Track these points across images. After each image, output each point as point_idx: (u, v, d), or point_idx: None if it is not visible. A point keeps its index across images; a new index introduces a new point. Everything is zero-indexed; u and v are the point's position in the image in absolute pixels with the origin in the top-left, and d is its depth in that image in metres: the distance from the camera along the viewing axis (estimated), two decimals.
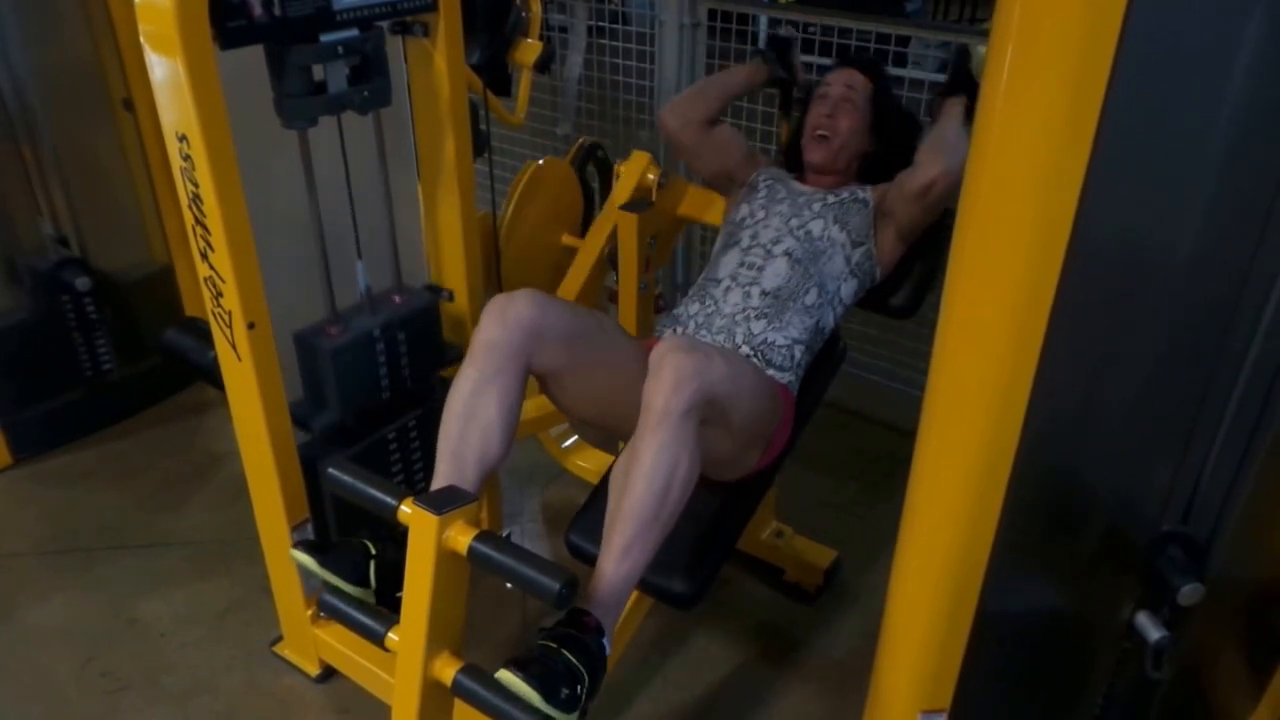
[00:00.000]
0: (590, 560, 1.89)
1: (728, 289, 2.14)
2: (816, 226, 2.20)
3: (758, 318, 2.08)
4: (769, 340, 2.06)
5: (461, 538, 1.56)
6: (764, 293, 2.11)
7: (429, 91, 2.17)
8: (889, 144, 2.34)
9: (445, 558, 1.57)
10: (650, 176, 2.62)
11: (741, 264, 2.17)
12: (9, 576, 2.67)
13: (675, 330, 2.15)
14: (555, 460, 3.06)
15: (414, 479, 2.38)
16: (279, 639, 2.43)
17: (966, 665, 1.45)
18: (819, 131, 2.29)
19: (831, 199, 2.26)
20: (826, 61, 3.65)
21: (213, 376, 2.12)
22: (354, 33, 1.85)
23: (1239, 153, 1.07)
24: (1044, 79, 1.06)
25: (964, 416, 1.31)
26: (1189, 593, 1.25)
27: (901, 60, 3.87)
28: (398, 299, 2.29)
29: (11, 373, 3.02)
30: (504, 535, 2.27)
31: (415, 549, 1.58)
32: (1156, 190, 1.11)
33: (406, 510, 1.62)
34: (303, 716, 2.28)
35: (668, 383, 1.64)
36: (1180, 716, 1.50)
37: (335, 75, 1.87)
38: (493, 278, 2.65)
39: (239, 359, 1.91)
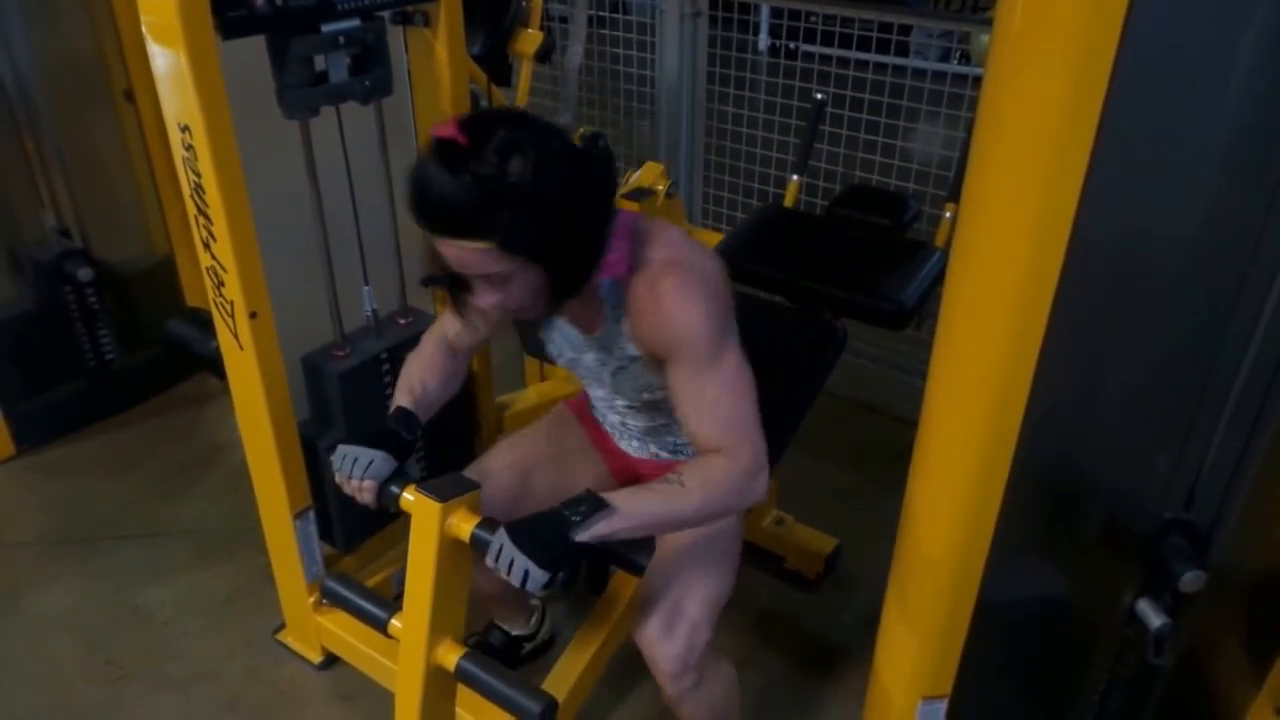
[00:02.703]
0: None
1: (606, 421, 2.00)
2: (627, 395, 1.84)
3: (648, 443, 1.95)
4: (675, 446, 1.94)
5: (464, 524, 1.56)
6: (636, 435, 1.95)
7: (430, 81, 2.17)
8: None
9: (448, 545, 1.57)
10: (660, 187, 2.66)
11: (600, 405, 1.97)
12: (12, 566, 2.67)
13: (599, 416, 2.00)
14: None
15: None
16: (281, 627, 2.44)
17: (967, 653, 1.46)
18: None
19: (602, 351, 1.76)
20: (830, 51, 3.66)
21: (215, 366, 2.13)
22: (355, 23, 1.85)
23: (1240, 141, 1.07)
24: (1046, 68, 1.06)
25: (966, 405, 1.32)
26: (1190, 580, 1.25)
27: (903, 50, 3.87)
28: (403, 321, 2.32)
29: (14, 363, 3.02)
30: None
31: (418, 536, 1.58)
32: (1158, 180, 1.11)
33: (409, 498, 1.62)
34: (305, 704, 2.29)
35: (666, 675, 1.69)
36: (1181, 704, 1.51)
37: (336, 65, 1.87)
38: None
39: (241, 348, 1.92)
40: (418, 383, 1.82)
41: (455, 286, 1.61)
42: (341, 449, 1.67)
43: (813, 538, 2.63)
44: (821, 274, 2.40)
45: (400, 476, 1.66)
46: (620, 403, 1.87)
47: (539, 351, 2.08)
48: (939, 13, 5.82)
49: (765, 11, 4.33)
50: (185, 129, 1.69)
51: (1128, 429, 1.29)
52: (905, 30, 3.68)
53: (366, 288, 2.23)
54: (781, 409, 2.12)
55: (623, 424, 1.94)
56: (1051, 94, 1.06)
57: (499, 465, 1.93)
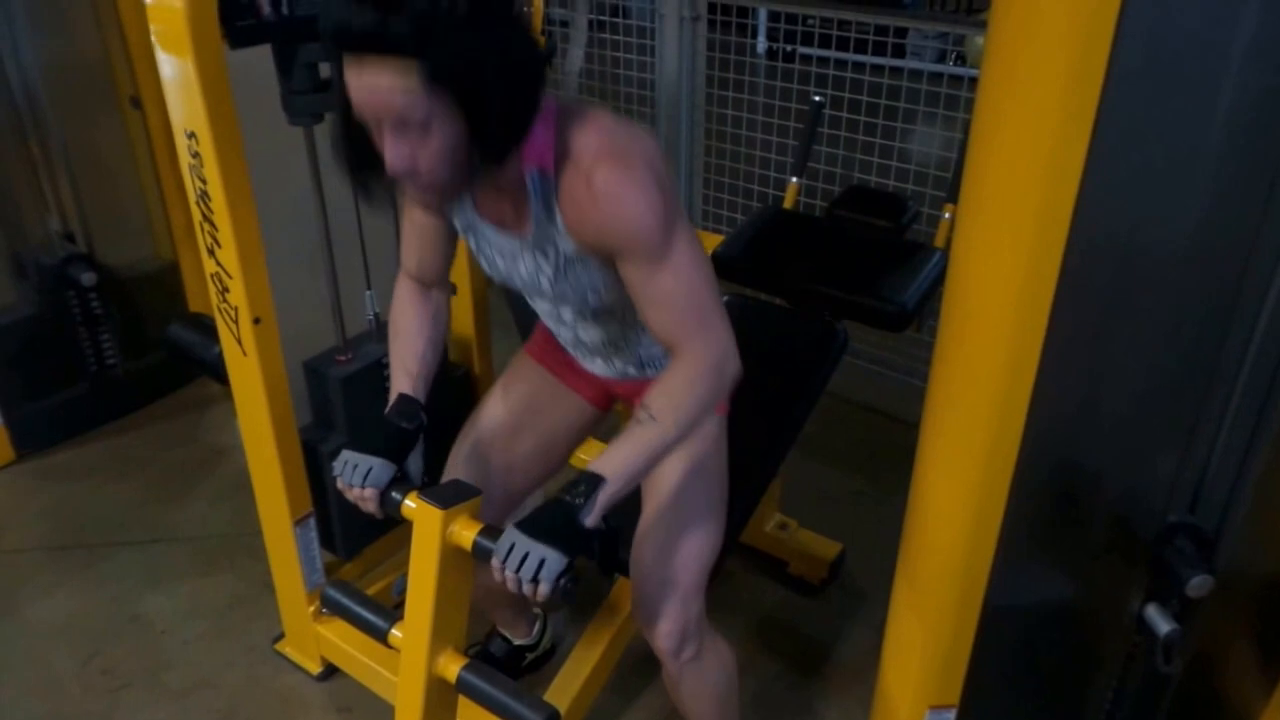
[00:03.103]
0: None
1: (562, 339, 1.83)
2: (572, 304, 1.67)
3: (612, 357, 1.79)
4: (643, 358, 1.78)
5: (466, 532, 1.56)
6: (595, 349, 1.78)
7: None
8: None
9: (450, 553, 1.57)
10: None
11: (549, 319, 1.80)
12: (12, 572, 2.67)
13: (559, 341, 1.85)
14: None
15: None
16: (281, 636, 2.43)
17: (974, 661, 1.45)
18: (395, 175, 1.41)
19: (537, 253, 1.59)
20: (827, 53, 3.66)
21: (217, 371, 2.13)
22: None
23: (1236, 142, 1.07)
24: (1040, 70, 1.06)
25: (967, 408, 1.32)
26: (1198, 584, 1.24)
27: (900, 51, 3.87)
28: None
29: (15, 368, 3.02)
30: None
31: (419, 544, 1.58)
32: (1156, 181, 1.11)
33: (410, 505, 1.62)
34: (304, 715, 2.29)
35: (666, 651, 1.73)
36: (1191, 711, 1.51)
37: None
38: None
39: (244, 354, 1.92)
40: (411, 356, 1.73)
41: (361, 161, 1.46)
42: (343, 455, 1.64)
43: (816, 543, 2.63)
44: (821, 276, 2.40)
45: (403, 482, 1.64)
46: (567, 313, 1.70)
47: (523, 312, 1.96)
48: (934, 15, 5.83)
49: (763, 15, 4.33)
50: (192, 136, 1.70)
51: (1130, 430, 1.29)
52: (901, 32, 3.68)
53: (369, 292, 2.23)
54: (783, 412, 2.12)
55: (577, 340, 1.77)
56: (1046, 95, 1.07)
57: (459, 461, 1.86)
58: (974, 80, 1.30)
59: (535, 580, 1.39)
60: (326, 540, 2.28)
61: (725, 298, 2.47)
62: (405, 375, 1.71)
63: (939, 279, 2.36)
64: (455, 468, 1.85)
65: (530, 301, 1.76)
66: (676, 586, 1.70)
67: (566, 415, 1.92)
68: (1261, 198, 1.08)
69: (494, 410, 1.90)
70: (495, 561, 1.44)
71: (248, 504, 2.22)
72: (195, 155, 1.71)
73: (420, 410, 1.69)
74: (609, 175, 1.40)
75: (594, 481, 1.42)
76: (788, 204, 2.89)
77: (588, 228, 1.46)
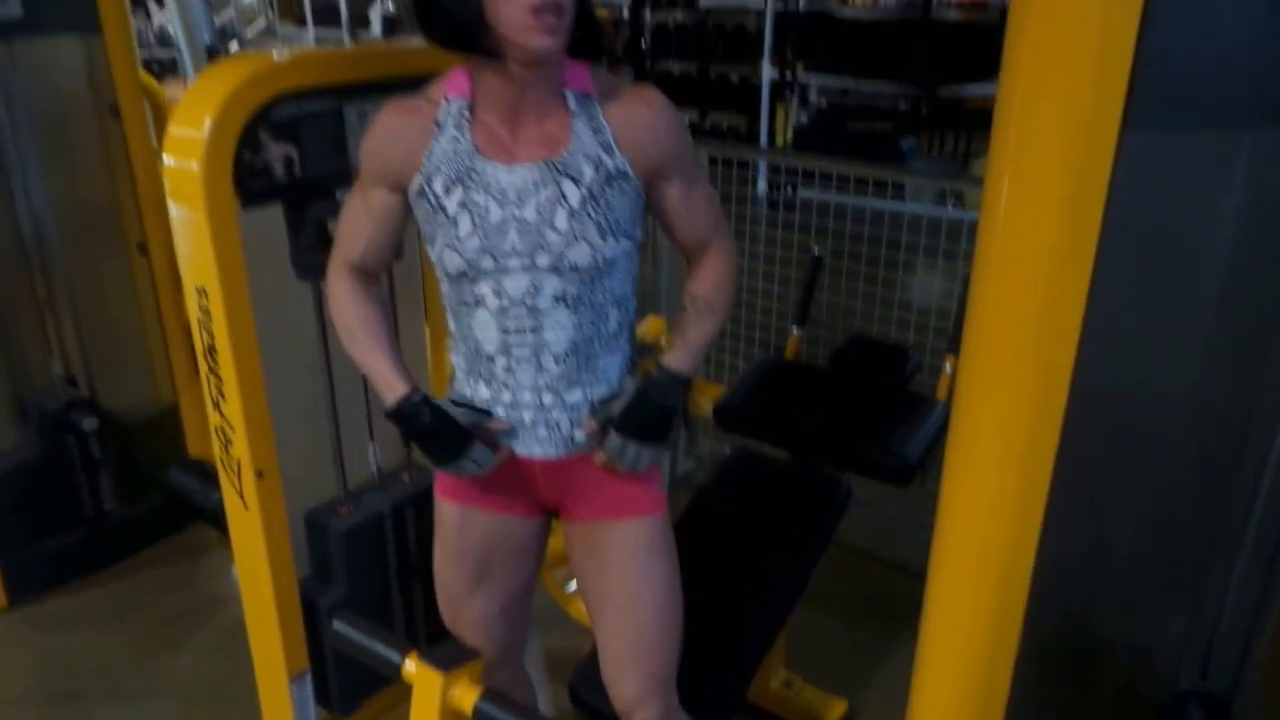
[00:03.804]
0: (595, 715, 1.86)
1: (509, 366, 1.62)
2: (579, 255, 1.56)
3: (569, 386, 1.64)
4: (595, 399, 1.66)
5: (467, 696, 1.53)
6: (558, 357, 1.62)
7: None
8: None
9: (450, 718, 1.54)
10: (663, 341, 2.69)
11: (504, 330, 1.60)
12: None
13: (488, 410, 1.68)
14: (557, 604, 3.02)
15: (415, 636, 2.36)
16: None
17: None
18: (542, 4, 1.40)
19: (565, 180, 1.54)
20: (828, 196, 3.74)
21: (215, 519, 2.12)
22: None
23: (1238, 286, 1.08)
24: (1037, 229, 1.08)
25: (973, 566, 1.30)
26: None
27: (900, 193, 3.97)
28: (407, 477, 2.31)
29: (13, 513, 3.00)
30: None
31: (419, 708, 1.55)
32: (1156, 330, 1.12)
33: (411, 667, 1.60)
34: None
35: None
36: None
37: None
38: None
39: (246, 508, 1.91)
40: (392, 349, 1.68)
41: (461, 27, 1.46)
42: (461, 464, 1.63)
43: (822, 701, 2.57)
44: (825, 428, 2.41)
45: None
46: (550, 288, 1.57)
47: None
48: (931, 169, 5.98)
49: (762, 168, 4.45)
50: (202, 292, 1.72)
51: (1138, 590, 1.28)
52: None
53: (372, 443, 2.23)
54: (787, 569, 2.11)
55: (536, 350, 1.61)
56: (1044, 247, 1.08)
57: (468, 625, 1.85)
58: (973, 224, 1.33)
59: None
60: (321, 695, 2.23)
61: (727, 450, 2.49)
62: (401, 369, 1.65)
63: (942, 431, 2.37)
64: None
65: (493, 317, 1.60)
66: (661, 681, 1.75)
67: (517, 552, 1.82)
68: (1261, 348, 1.09)
69: (446, 580, 1.83)
70: (603, 457, 1.65)
71: (242, 656, 2.18)
72: (205, 311, 1.74)
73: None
74: (661, 98, 1.58)
75: (682, 382, 1.67)
76: (789, 354, 2.92)
77: (645, 137, 1.56)
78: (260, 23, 13.11)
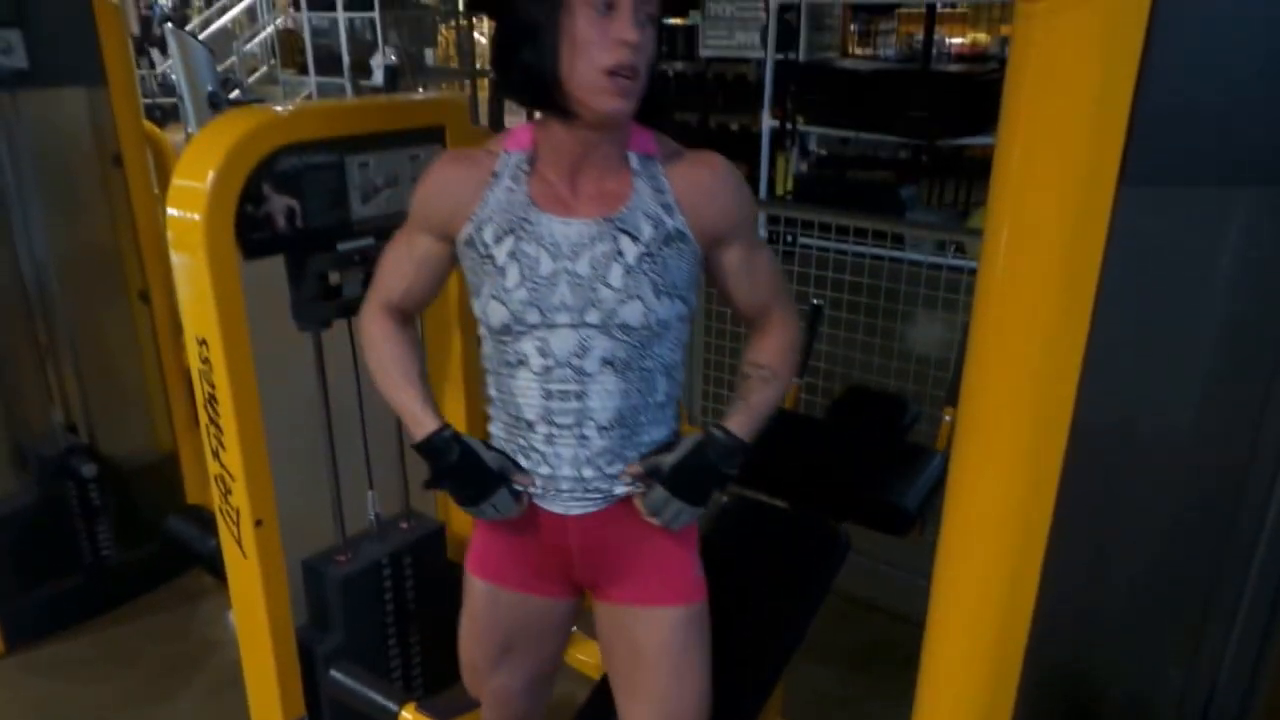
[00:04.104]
0: None
1: (550, 436, 1.57)
2: (632, 313, 1.50)
3: (611, 461, 1.58)
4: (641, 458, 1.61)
5: None
6: (602, 428, 1.56)
7: (440, 295, 2.22)
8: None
9: None
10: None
11: (546, 395, 1.54)
12: None
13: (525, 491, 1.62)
14: None
15: (412, 685, 2.35)
16: None
17: None
18: (619, 59, 1.39)
19: (623, 236, 1.50)
20: (827, 243, 3.76)
21: (212, 565, 2.12)
22: (370, 240, 1.92)
23: (1235, 341, 1.08)
24: (1035, 283, 1.09)
25: (971, 616, 1.30)
26: None
27: (899, 242, 4.00)
28: (405, 525, 2.31)
29: (11, 559, 2.99)
30: None
31: None
32: (1154, 384, 1.12)
33: (408, 717, 1.59)
34: None
35: None
36: None
37: (351, 281, 1.92)
38: None
39: (244, 556, 1.91)
40: (422, 385, 1.65)
41: (534, 80, 1.44)
42: (486, 509, 1.60)
43: None
44: (823, 478, 2.41)
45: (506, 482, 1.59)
46: (598, 350, 1.51)
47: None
48: (931, 222, 6.01)
49: (762, 218, 4.47)
50: (203, 343, 1.74)
51: (1138, 641, 1.27)
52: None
53: (371, 492, 2.24)
54: (784, 620, 2.10)
55: (580, 425, 1.56)
56: (1041, 305, 1.09)
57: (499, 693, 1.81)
58: (973, 272, 1.34)
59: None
60: None
61: (724, 500, 2.49)
62: (433, 410, 1.62)
63: (941, 482, 2.37)
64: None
65: (537, 380, 1.54)
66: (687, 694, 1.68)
67: (546, 632, 1.79)
68: (1258, 406, 1.10)
69: (470, 652, 1.80)
70: (646, 510, 1.58)
71: (238, 703, 2.17)
72: (205, 361, 1.75)
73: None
74: (727, 164, 1.56)
75: (742, 449, 1.60)
76: (788, 405, 2.92)
77: (707, 200, 1.53)
78: (262, 70, 13.25)
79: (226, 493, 1.87)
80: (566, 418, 1.54)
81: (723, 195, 1.54)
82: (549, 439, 1.56)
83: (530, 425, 1.56)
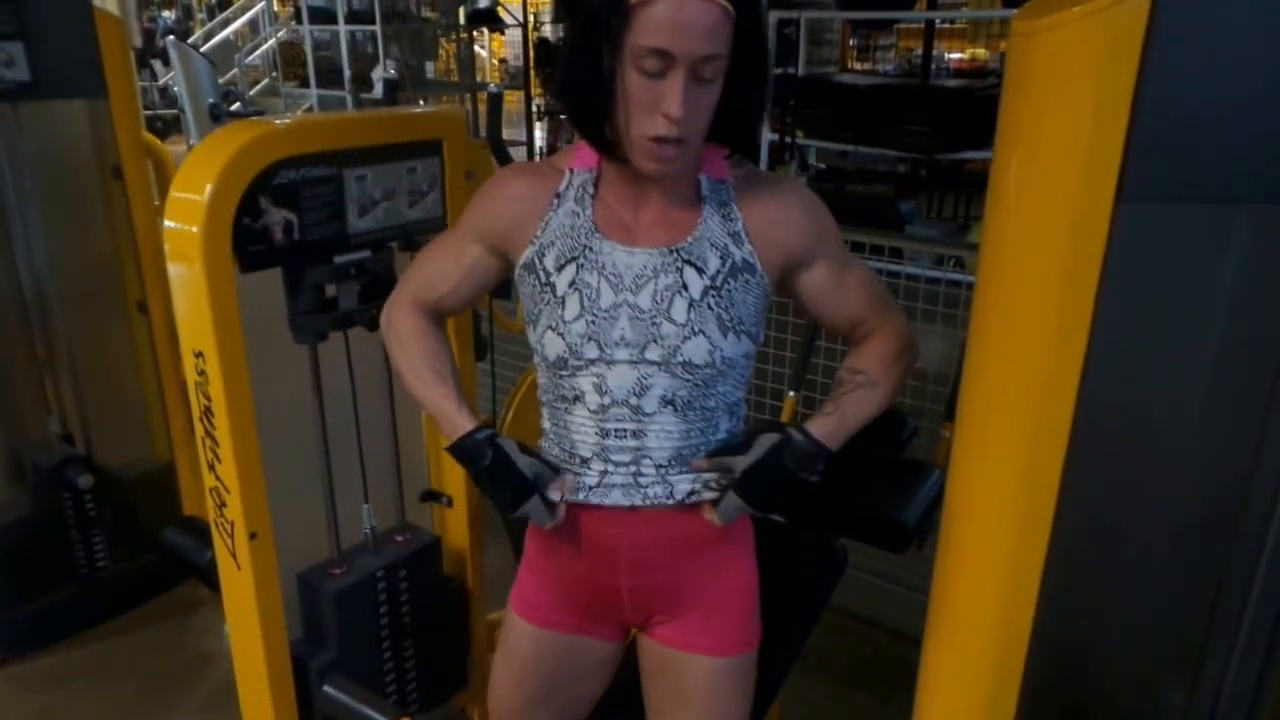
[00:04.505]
0: None
1: (605, 473, 1.51)
2: (695, 350, 1.43)
3: (672, 474, 1.52)
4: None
5: None
6: (659, 466, 1.50)
7: None
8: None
9: None
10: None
11: (603, 434, 1.49)
12: None
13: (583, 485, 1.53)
14: None
15: (406, 701, 2.34)
16: None
17: None
18: (659, 132, 1.32)
19: (688, 268, 1.44)
20: None
21: (207, 577, 2.11)
22: (367, 254, 1.92)
23: (1234, 356, 1.07)
24: (1036, 291, 1.09)
25: (969, 633, 1.30)
26: None
27: (898, 254, 3.99)
28: (400, 538, 2.30)
29: (6, 570, 2.99)
30: None
31: None
32: (1153, 401, 1.12)
33: None
34: None
35: None
36: None
37: (347, 294, 1.92)
38: None
39: (239, 568, 1.90)
40: (454, 380, 1.59)
41: (597, 119, 1.37)
42: (528, 510, 1.52)
43: None
44: (821, 492, 2.40)
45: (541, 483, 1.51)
46: (658, 388, 1.45)
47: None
48: (929, 237, 6.00)
49: None
50: (199, 355, 1.73)
51: (1138, 663, 1.27)
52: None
53: (366, 506, 2.23)
54: (780, 635, 2.08)
55: (637, 464, 1.50)
56: (1039, 322, 1.09)
57: None
58: (971, 286, 1.34)
59: None
60: None
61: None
62: (466, 406, 1.56)
63: (939, 497, 2.36)
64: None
65: (592, 418, 1.49)
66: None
67: (589, 675, 1.72)
68: (1258, 421, 1.09)
69: (503, 696, 1.73)
70: (718, 517, 1.51)
71: (232, 716, 2.16)
72: (201, 373, 1.75)
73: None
74: (802, 188, 1.50)
75: (824, 457, 1.49)
76: (785, 418, 2.92)
77: (779, 229, 1.46)
78: (264, 83, 13.28)
79: (221, 505, 1.86)
80: (623, 455, 1.49)
81: (793, 223, 1.46)
82: (603, 475, 1.51)
83: (585, 462, 1.52)
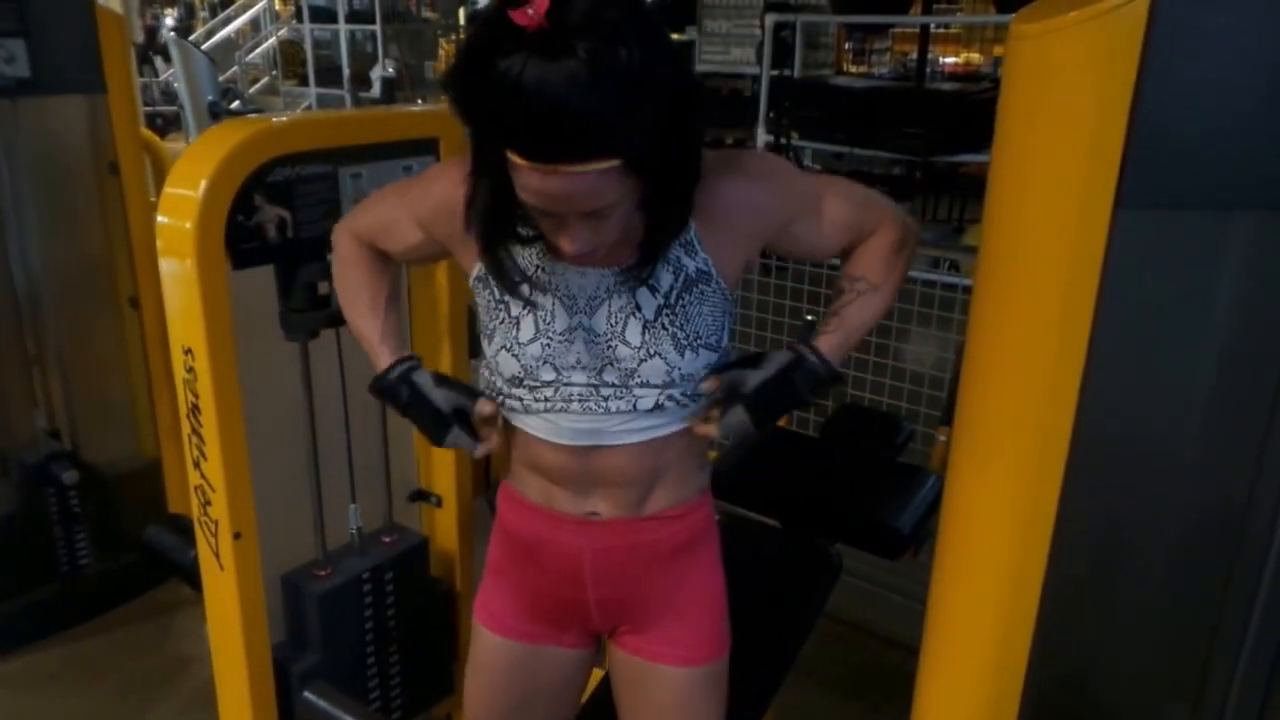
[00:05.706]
0: None
1: (563, 384, 1.44)
2: (653, 371, 1.39)
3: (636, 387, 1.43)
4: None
5: None
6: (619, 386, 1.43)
7: (429, 300, 2.21)
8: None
9: None
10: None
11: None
12: None
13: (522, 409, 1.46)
14: None
15: (390, 707, 2.31)
16: None
17: None
18: (567, 253, 1.29)
19: (640, 289, 1.38)
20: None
21: (190, 577, 2.08)
22: None
23: (1235, 364, 1.06)
24: (1034, 297, 1.08)
25: (967, 640, 1.28)
26: None
27: None
28: (387, 540, 2.27)
29: None
30: None
31: None
32: (1152, 407, 1.11)
33: None
34: None
35: None
36: None
37: None
38: (480, 481, 2.62)
39: (222, 568, 1.87)
40: (385, 327, 1.54)
41: (499, 238, 1.33)
42: (451, 440, 1.48)
43: None
44: (816, 498, 2.39)
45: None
46: (616, 418, 1.42)
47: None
48: (925, 239, 6.01)
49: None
50: (189, 352, 1.72)
51: (1139, 680, 1.25)
52: None
53: (353, 506, 2.20)
54: (774, 643, 2.07)
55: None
56: (1038, 327, 1.08)
57: None
58: (967, 289, 1.32)
59: None
60: None
61: (716, 517, 2.46)
62: (392, 340, 1.53)
63: (935, 504, 2.34)
64: None
65: (543, 401, 1.43)
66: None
67: (560, 686, 1.68)
68: (1259, 434, 1.07)
69: (476, 710, 1.69)
70: (711, 430, 1.43)
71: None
72: (190, 370, 1.73)
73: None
74: (743, 161, 1.40)
75: (832, 380, 1.44)
76: (781, 423, 2.90)
77: (737, 223, 1.38)
78: (264, 81, 13.29)
79: (206, 504, 1.84)
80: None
81: (747, 209, 1.39)
82: (558, 389, 1.43)
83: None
